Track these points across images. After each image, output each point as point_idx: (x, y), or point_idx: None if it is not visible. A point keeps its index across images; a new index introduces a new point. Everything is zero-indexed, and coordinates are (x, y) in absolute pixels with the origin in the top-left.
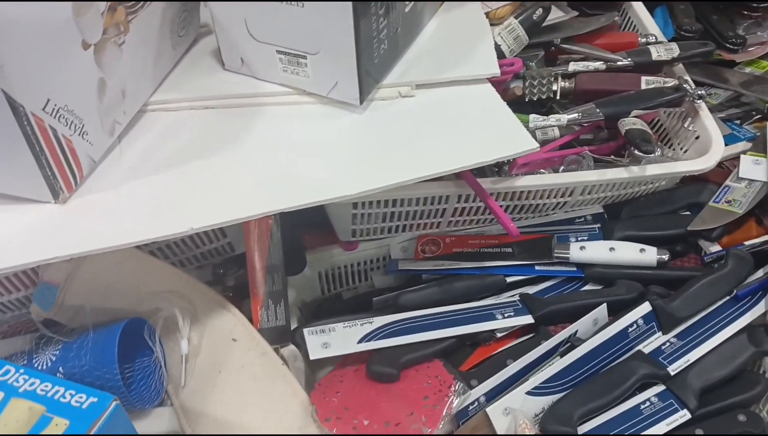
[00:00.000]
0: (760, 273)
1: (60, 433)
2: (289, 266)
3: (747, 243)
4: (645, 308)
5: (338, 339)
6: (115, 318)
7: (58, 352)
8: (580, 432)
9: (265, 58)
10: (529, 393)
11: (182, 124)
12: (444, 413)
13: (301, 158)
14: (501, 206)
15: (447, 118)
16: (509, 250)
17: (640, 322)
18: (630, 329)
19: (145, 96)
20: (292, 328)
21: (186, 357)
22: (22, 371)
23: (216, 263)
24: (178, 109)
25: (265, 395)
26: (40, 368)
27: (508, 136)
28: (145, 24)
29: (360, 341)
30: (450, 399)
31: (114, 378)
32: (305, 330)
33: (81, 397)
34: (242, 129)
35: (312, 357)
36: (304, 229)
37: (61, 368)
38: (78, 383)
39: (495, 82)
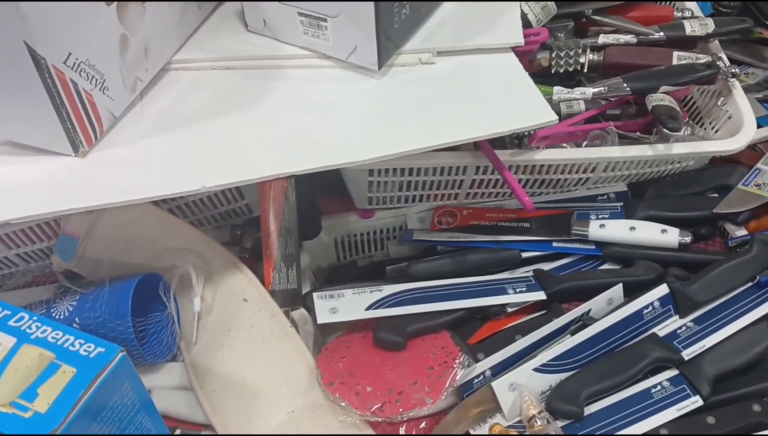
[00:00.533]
0: None
1: (66, 380)
2: (304, 230)
3: None
4: (662, 289)
5: (347, 305)
6: (133, 273)
7: (75, 303)
8: (586, 413)
9: (287, 20)
10: (536, 370)
11: (203, 84)
12: (447, 384)
13: (317, 122)
14: (520, 181)
15: (467, 86)
16: (527, 225)
17: (657, 304)
18: (645, 311)
19: (169, 54)
20: (304, 292)
21: (198, 315)
22: (35, 318)
23: (234, 224)
24: (200, 69)
25: (273, 355)
26: (57, 317)
27: (527, 107)
28: None
29: (368, 308)
30: (454, 371)
31: (127, 331)
32: (314, 294)
33: (89, 346)
34: (261, 90)
35: (319, 321)
36: (321, 194)
37: (77, 319)
38: (90, 334)
39: (520, 53)
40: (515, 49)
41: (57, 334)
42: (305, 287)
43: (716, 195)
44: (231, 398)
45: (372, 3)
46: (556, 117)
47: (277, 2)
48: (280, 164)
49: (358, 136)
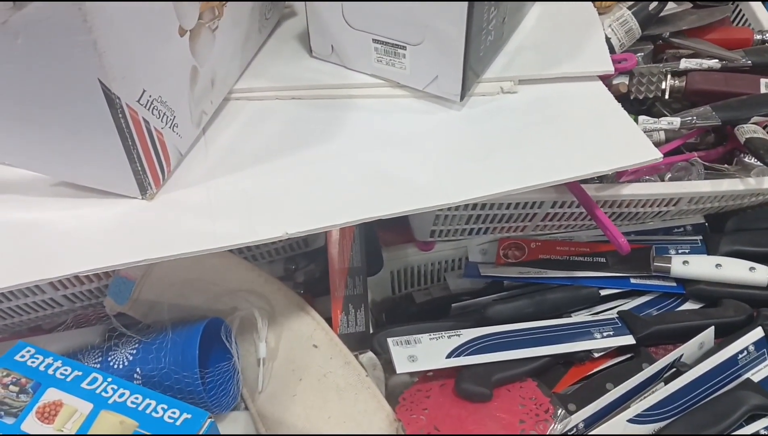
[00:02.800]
0: None
1: None
2: (368, 266)
3: None
4: (757, 333)
5: (425, 352)
6: (191, 315)
7: (135, 351)
8: None
9: (359, 47)
10: (630, 421)
11: (268, 115)
12: None
13: (397, 157)
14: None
15: (554, 118)
16: (602, 259)
17: (751, 348)
18: (740, 356)
19: (231, 83)
20: (371, 332)
21: (263, 360)
22: (110, 379)
23: (287, 257)
24: (263, 99)
25: (348, 407)
26: (115, 366)
27: (626, 142)
28: (237, 7)
29: (449, 356)
30: (549, 425)
31: (194, 383)
32: (390, 340)
33: (174, 412)
34: (333, 122)
35: (399, 371)
36: (379, 226)
37: (138, 369)
38: (154, 385)
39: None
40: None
41: (136, 398)
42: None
43: None
44: None
45: (464, 29)
46: (661, 155)
47: (350, 28)
48: (366, 208)
49: (446, 175)
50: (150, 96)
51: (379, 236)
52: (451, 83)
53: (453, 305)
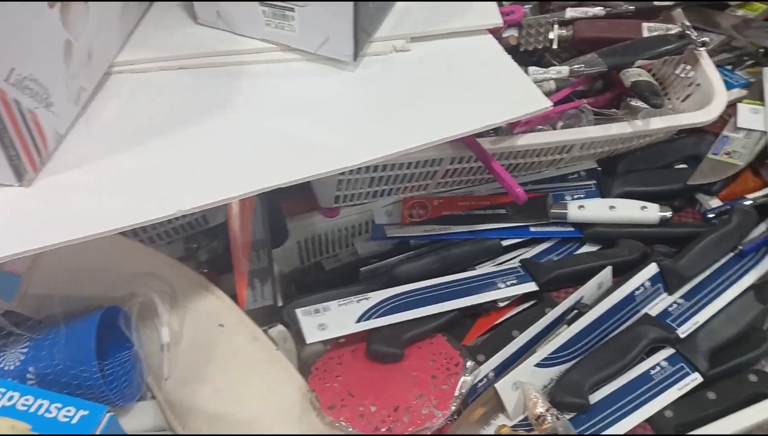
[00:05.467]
0: (763, 227)
1: None
2: (272, 238)
3: (749, 197)
4: (652, 269)
5: (335, 319)
6: (86, 306)
7: (26, 350)
8: (591, 402)
9: (246, 11)
10: (537, 365)
11: (154, 88)
12: (456, 393)
13: (293, 122)
14: None
15: (448, 73)
16: (502, 211)
17: (647, 284)
18: (637, 292)
19: (111, 56)
20: (279, 305)
21: (168, 346)
22: None
23: (188, 236)
24: (148, 71)
25: (260, 383)
26: (6, 367)
27: (518, 93)
28: None
29: (359, 320)
30: (459, 378)
31: (93, 377)
32: (298, 311)
33: (69, 411)
34: (225, 91)
35: (309, 341)
36: (282, 196)
37: (31, 368)
38: (50, 385)
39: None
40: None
41: (27, 399)
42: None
43: (685, 166)
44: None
45: None
46: (551, 103)
47: None
48: (263, 177)
49: (344, 137)
50: (20, 75)
51: (282, 206)
52: (342, 44)
53: (361, 269)
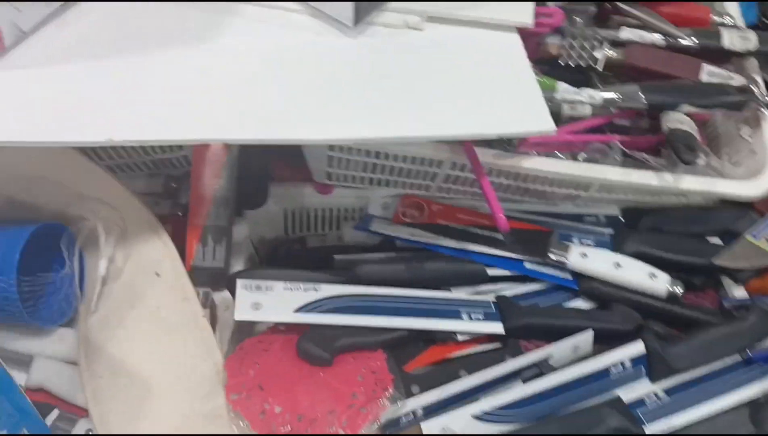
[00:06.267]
0: None
1: None
2: (248, 198)
3: None
4: (637, 348)
5: (274, 301)
6: (35, 217)
7: None
8: None
9: None
10: (477, 417)
11: (139, 7)
12: (368, 420)
13: (271, 78)
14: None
15: (456, 66)
16: (500, 236)
17: (627, 363)
18: (614, 369)
19: None
20: (235, 270)
21: (103, 279)
22: None
23: (171, 173)
24: None
25: (176, 346)
26: None
27: (523, 107)
28: None
29: (298, 310)
30: (381, 404)
31: (9, 289)
32: (239, 282)
33: None
34: (210, 24)
35: (237, 317)
36: (274, 158)
37: None
38: None
39: (527, 34)
40: (520, 30)
41: None
42: (239, 262)
43: (719, 241)
44: (118, 388)
45: None
46: (554, 127)
47: None
48: (215, 128)
49: (321, 106)
50: None
51: (272, 168)
52: (341, 4)
53: (335, 256)
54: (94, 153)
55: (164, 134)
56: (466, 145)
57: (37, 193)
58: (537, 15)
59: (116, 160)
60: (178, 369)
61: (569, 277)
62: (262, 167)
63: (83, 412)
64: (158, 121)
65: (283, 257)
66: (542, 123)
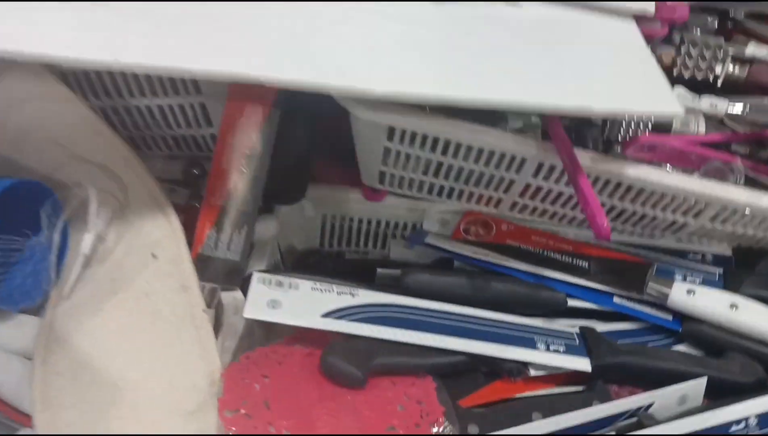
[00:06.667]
0: None
1: None
2: (281, 190)
3: None
4: (765, 403)
5: (296, 302)
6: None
7: None
8: None
9: None
10: None
11: None
12: None
13: (333, 21)
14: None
15: (564, 49)
16: (584, 264)
17: (753, 421)
18: (735, 427)
19: None
20: (250, 271)
21: (87, 259)
22: None
23: (193, 157)
24: None
25: (164, 345)
26: None
27: (645, 85)
28: None
29: (327, 315)
30: None
31: None
32: (255, 275)
33: None
34: None
35: (247, 314)
36: (320, 153)
37: None
38: None
39: None
40: None
41: None
42: (260, 265)
43: None
44: (78, 389)
45: None
46: (681, 110)
47: None
48: (251, 63)
49: (386, 59)
50: None
51: (316, 165)
52: None
53: (378, 269)
54: (115, 114)
55: (190, 61)
56: (557, 132)
57: (24, 150)
58: (659, 8)
59: (131, 130)
60: (163, 372)
61: (669, 317)
62: (305, 156)
63: (26, 420)
64: (185, 48)
65: (313, 267)
66: (667, 103)
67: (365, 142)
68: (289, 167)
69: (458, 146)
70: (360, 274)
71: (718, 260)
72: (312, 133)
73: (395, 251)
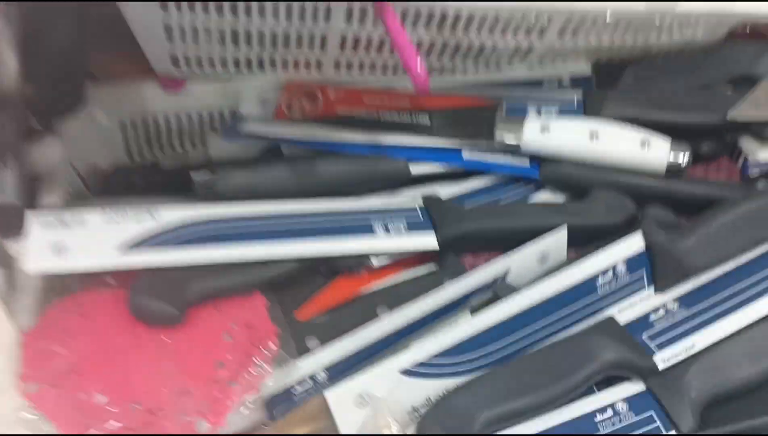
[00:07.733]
0: None
1: None
2: (48, 99)
3: None
4: (635, 243)
5: (86, 240)
6: None
7: None
8: None
9: None
10: (407, 372)
11: None
12: (242, 398)
13: None
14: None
15: None
16: (425, 120)
17: (622, 268)
18: (602, 280)
19: None
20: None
21: None
22: None
23: None
24: None
25: None
26: None
27: None
28: None
29: (123, 247)
30: (259, 371)
31: None
32: (34, 219)
33: None
34: None
35: (28, 267)
36: (99, 46)
37: None
38: None
39: None
40: None
41: None
42: (48, 199)
43: (731, 91)
44: None
45: None
46: None
47: None
48: None
49: None
50: None
51: (97, 60)
52: None
53: (192, 173)
54: None
55: None
56: None
57: None
58: None
59: None
60: None
61: (526, 163)
62: (71, 49)
63: None
64: None
65: (124, 187)
66: None
67: (140, 18)
68: (53, 69)
69: (248, 6)
70: (179, 185)
71: (576, 83)
72: (80, 20)
73: (215, 147)
